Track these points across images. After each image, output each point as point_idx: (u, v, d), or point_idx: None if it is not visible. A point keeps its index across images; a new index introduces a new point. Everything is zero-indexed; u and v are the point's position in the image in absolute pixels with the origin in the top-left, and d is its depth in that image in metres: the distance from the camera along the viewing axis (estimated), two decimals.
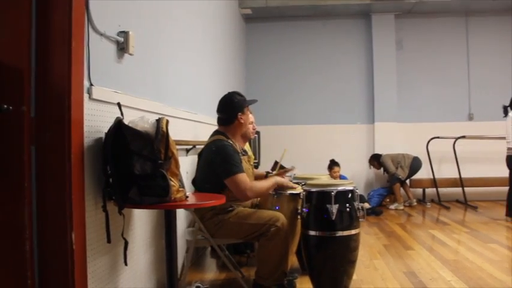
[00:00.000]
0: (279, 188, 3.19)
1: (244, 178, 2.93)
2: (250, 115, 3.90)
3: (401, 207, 7.07)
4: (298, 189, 3.23)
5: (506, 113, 5.84)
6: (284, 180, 3.26)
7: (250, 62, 8.03)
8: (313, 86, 8.05)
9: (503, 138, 5.90)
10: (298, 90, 8.05)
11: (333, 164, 6.91)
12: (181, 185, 2.29)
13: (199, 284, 3.12)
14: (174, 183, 2.18)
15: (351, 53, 8.10)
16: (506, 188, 5.91)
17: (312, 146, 7.86)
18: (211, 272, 3.89)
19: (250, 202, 3.34)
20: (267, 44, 8.12)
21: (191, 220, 3.57)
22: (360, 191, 3.36)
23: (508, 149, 5.73)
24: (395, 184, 7.13)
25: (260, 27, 8.09)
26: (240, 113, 3.19)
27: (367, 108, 8.02)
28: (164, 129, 2.18)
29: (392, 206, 7.11)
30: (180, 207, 2.36)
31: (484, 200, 7.43)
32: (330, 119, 7.99)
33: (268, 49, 8.11)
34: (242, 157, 3.17)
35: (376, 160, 7.40)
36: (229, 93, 3.30)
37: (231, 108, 3.20)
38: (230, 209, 3.03)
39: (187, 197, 2.34)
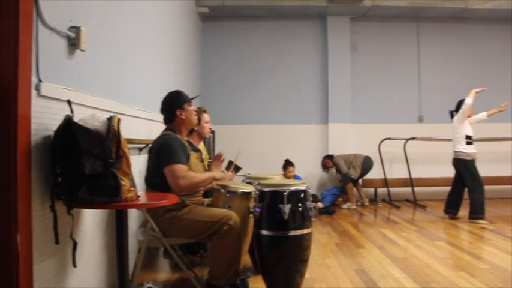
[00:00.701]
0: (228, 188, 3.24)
1: (180, 168, 2.94)
2: (206, 114, 3.91)
3: (354, 207, 7.22)
4: (249, 187, 3.26)
5: (452, 118, 6.07)
6: (220, 174, 3.30)
7: (206, 61, 7.99)
8: (269, 86, 8.09)
9: (451, 140, 6.12)
10: (254, 90, 8.07)
11: (287, 164, 6.96)
12: (133, 185, 2.26)
13: (151, 285, 3.08)
14: (125, 182, 2.14)
15: (306, 54, 8.19)
16: None
17: (266, 145, 7.90)
18: (164, 272, 3.85)
19: (202, 201, 3.33)
20: (223, 43, 8.09)
21: (143, 220, 3.52)
22: (313, 191, 3.41)
23: (454, 152, 5.96)
24: (348, 184, 7.27)
25: (217, 26, 8.06)
26: (178, 110, 3.23)
27: (321, 109, 8.14)
28: (115, 127, 2.14)
29: (345, 206, 7.24)
30: (131, 207, 2.33)
31: (432, 200, 7.70)
32: (284, 119, 8.06)
33: (225, 48, 8.09)
34: (191, 153, 3.22)
35: (329, 158, 7.53)
36: (168, 93, 3.37)
37: (169, 106, 3.27)
38: (183, 204, 3.03)
39: (138, 196, 2.31)
